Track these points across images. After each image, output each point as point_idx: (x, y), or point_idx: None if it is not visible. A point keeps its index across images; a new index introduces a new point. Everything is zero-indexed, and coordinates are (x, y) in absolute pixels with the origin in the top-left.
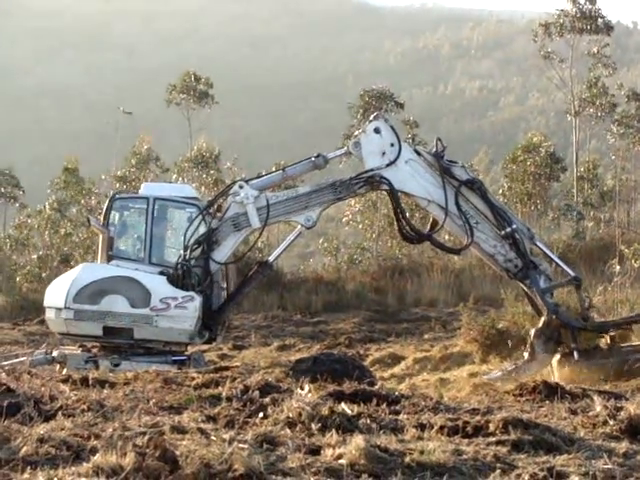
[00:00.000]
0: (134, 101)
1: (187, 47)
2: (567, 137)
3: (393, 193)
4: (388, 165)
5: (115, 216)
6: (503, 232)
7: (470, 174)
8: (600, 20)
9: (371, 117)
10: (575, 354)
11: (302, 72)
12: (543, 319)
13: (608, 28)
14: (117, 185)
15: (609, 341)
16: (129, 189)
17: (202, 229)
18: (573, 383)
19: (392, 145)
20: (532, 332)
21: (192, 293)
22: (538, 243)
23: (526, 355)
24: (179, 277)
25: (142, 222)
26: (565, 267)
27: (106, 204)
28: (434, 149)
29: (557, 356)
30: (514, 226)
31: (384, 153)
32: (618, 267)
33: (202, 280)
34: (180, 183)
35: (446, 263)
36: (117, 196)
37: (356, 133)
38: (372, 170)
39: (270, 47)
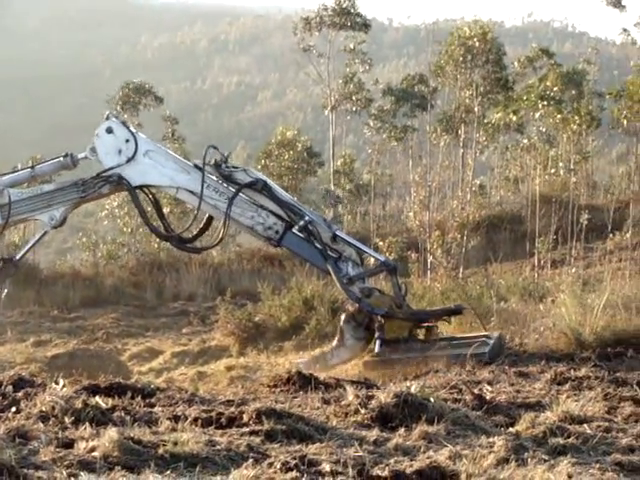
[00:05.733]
0: None
1: None
2: (325, 132)
3: (132, 192)
4: (127, 161)
5: None
6: (297, 226)
7: (253, 175)
8: (358, 18)
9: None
10: (377, 344)
11: (59, 66)
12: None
13: (366, 25)
14: None
15: (425, 332)
16: None
17: None
18: (373, 375)
19: (127, 141)
20: (342, 317)
21: None
22: (338, 232)
23: (335, 341)
24: None
25: None
26: (373, 253)
27: None
28: (212, 160)
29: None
30: (306, 218)
31: (120, 151)
32: (372, 261)
33: None
34: None
35: (205, 258)
36: None
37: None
38: (112, 169)
39: (27, 40)
